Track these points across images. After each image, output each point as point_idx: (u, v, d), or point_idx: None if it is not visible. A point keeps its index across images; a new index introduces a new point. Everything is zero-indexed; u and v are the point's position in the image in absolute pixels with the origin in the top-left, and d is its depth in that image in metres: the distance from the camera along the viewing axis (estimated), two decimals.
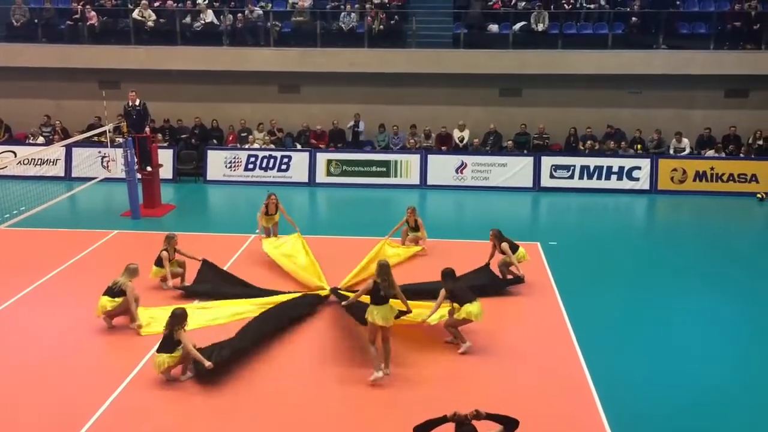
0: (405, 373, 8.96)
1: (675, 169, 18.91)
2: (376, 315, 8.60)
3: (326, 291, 11.20)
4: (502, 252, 11.73)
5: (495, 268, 11.89)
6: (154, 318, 10.15)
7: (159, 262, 11.40)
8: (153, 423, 7.94)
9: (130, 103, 16.13)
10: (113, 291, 9.97)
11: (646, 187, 18.90)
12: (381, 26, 20.34)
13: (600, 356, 9.39)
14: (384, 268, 8.71)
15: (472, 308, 9.32)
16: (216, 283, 11.52)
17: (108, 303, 9.93)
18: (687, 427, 7.98)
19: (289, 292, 11.21)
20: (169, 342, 8.58)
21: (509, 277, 11.82)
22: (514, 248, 11.76)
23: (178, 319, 8.66)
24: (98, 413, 8.03)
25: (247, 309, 10.61)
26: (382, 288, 8.63)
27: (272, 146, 20.00)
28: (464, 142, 20.17)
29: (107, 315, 9.99)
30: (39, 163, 19.83)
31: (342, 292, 11.00)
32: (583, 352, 9.50)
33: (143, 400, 8.34)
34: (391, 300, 8.72)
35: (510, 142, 19.81)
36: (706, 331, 10.52)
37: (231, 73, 20.29)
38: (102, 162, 19.29)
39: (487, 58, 19.75)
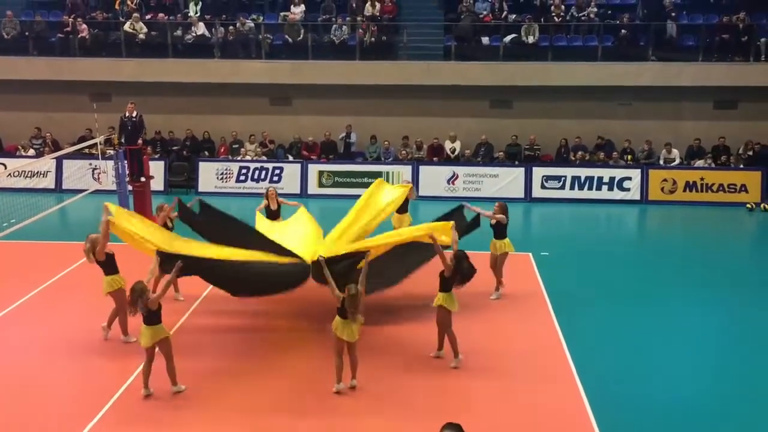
0: (391, 386, 8.88)
1: (665, 180, 19.02)
2: (341, 329, 8.50)
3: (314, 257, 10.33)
4: (495, 219, 11.69)
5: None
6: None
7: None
8: None
9: (127, 114, 16.11)
10: (105, 266, 9.67)
11: (637, 197, 18.99)
12: (372, 39, 20.43)
13: (592, 366, 9.38)
14: (353, 299, 8.43)
15: (446, 298, 9.23)
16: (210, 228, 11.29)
17: (114, 282, 9.67)
18: None
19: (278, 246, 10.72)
20: (152, 315, 8.35)
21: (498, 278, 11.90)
22: (503, 233, 11.75)
23: (138, 293, 8.26)
24: (89, 426, 7.97)
25: (242, 255, 10.28)
26: (347, 308, 8.46)
27: (264, 158, 20.00)
28: (456, 153, 20.23)
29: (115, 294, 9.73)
30: (29, 175, 19.76)
31: (326, 258, 10.10)
32: (575, 363, 9.48)
33: (131, 416, 8.26)
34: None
35: (501, 153, 19.89)
36: (698, 342, 10.54)
37: (222, 85, 20.31)
38: (93, 174, 19.24)
39: (478, 70, 19.86)
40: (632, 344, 10.25)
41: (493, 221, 11.73)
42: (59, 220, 16.99)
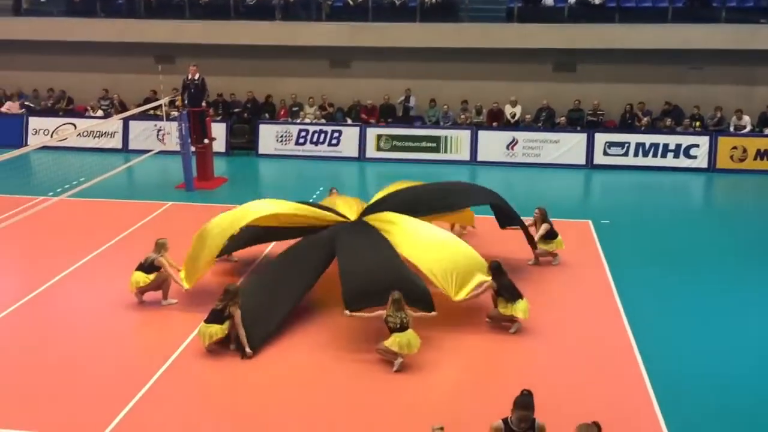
0: (448, 349, 8.95)
1: (735, 147, 18.33)
2: (398, 342, 8.36)
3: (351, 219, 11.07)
4: (541, 233, 11.62)
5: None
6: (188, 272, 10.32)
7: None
8: (203, 392, 8.19)
9: (189, 77, 16.35)
10: (144, 267, 10.04)
11: (704, 165, 18.38)
12: (433, 0, 20.13)
13: (652, 340, 9.20)
14: (397, 303, 8.48)
15: (521, 305, 9.28)
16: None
17: (141, 279, 10.00)
18: (742, 421, 7.71)
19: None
20: (220, 315, 8.74)
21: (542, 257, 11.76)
22: (553, 235, 11.64)
23: (231, 295, 8.78)
24: (151, 382, 8.29)
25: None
26: (393, 321, 8.43)
27: (323, 121, 20.10)
28: (516, 118, 19.91)
29: (139, 291, 10.08)
30: (98, 135, 20.39)
31: (368, 220, 10.74)
32: (634, 335, 9.34)
33: (192, 371, 8.55)
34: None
35: (563, 119, 19.48)
36: (763, 316, 10.22)
37: (283, 48, 20.39)
38: (157, 135, 19.69)
39: (541, 33, 19.35)
40: (693, 315, 10.02)
41: (543, 232, 11.60)
42: (126, 179, 17.51)
